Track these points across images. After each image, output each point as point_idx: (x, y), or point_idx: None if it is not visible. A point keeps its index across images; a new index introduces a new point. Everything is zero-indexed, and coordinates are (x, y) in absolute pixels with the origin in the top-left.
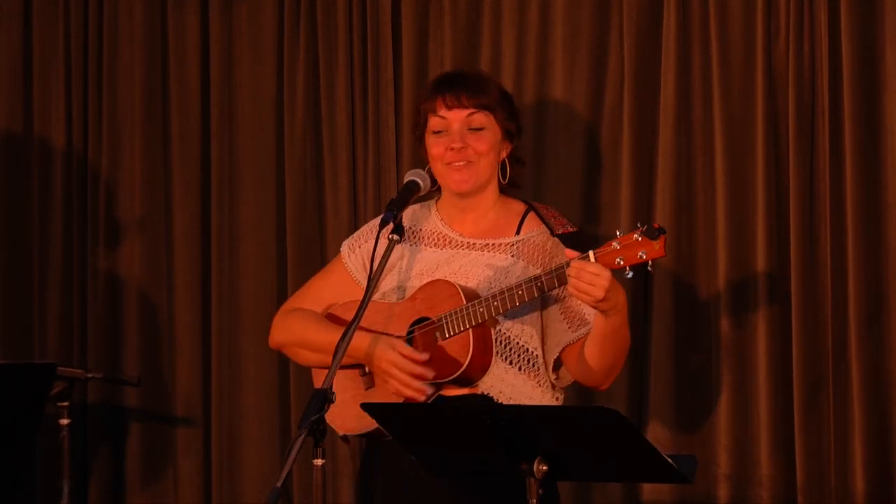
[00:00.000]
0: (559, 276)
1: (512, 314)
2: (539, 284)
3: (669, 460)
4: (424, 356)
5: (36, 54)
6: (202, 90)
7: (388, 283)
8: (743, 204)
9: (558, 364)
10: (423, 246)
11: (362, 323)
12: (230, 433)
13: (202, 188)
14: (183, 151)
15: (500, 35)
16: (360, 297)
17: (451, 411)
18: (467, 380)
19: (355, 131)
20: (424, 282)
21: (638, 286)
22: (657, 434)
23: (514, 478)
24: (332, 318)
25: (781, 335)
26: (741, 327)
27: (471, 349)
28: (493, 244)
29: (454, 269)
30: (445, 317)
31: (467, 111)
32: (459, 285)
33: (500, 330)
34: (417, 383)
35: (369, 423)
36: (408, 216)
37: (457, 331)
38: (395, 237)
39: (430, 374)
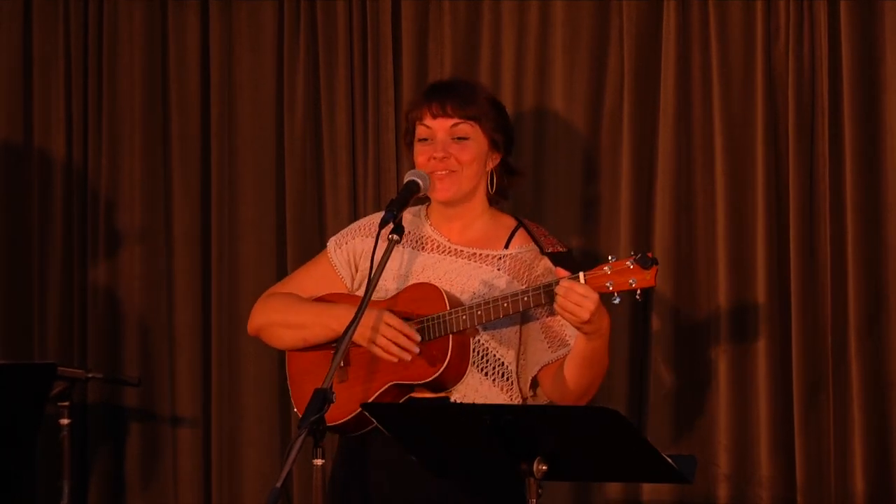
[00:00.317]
0: (547, 292)
1: (492, 326)
2: (525, 299)
3: (669, 460)
4: (414, 333)
5: (36, 54)
6: (202, 90)
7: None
8: (743, 204)
9: (535, 382)
10: (411, 248)
11: (345, 312)
12: (230, 433)
13: (202, 188)
14: (183, 152)
15: (499, 35)
16: (341, 291)
17: (452, 411)
18: (440, 385)
19: (355, 131)
20: (410, 283)
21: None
22: (657, 434)
23: (514, 478)
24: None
25: (781, 335)
26: (741, 327)
27: (449, 355)
28: (481, 254)
29: (439, 273)
30: (428, 319)
31: (452, 121)
32: (445, 291)
33: (478, 340)
34: (406, 340)
35: (339, 416)
36: None
37: (437, 335)
38: (395, 237)
39: (415, 347)
